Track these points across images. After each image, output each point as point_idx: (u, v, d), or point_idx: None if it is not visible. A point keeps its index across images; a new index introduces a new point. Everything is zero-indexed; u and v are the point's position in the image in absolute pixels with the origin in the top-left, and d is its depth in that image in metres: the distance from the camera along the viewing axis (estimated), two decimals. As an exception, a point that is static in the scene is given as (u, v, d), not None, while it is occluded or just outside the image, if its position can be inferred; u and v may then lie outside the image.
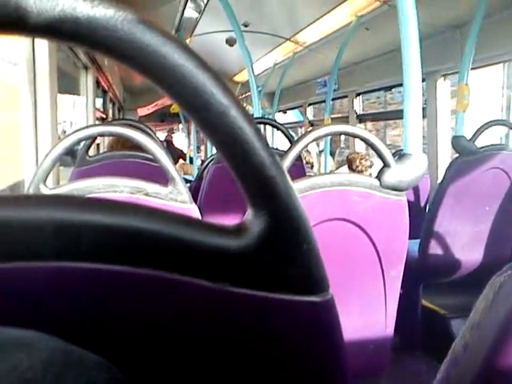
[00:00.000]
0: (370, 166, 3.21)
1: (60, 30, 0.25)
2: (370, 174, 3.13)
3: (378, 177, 1.14)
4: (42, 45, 1.69)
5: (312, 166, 4.39)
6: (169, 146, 6.98)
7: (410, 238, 1.24)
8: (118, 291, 0.29)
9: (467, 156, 1.93)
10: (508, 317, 0.38)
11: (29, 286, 0.28)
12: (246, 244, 0.30)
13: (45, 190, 1.12)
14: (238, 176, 0.30)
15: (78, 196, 0.31)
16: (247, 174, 0.29)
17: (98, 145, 3.49)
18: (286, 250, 0.31)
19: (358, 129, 1.22)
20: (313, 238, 0.32)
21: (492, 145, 2.07)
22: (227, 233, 0.31)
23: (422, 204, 2.66)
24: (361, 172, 3.12)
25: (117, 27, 0.25)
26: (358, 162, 3.21)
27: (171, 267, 0.29)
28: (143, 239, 0.29)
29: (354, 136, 1.24)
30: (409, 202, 1.21)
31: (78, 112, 3.30)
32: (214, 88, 0.27)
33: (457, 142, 1.99)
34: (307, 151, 4.54)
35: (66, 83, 3.06)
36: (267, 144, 0.30)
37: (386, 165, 1.15)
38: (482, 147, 1.98)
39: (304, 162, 4.45)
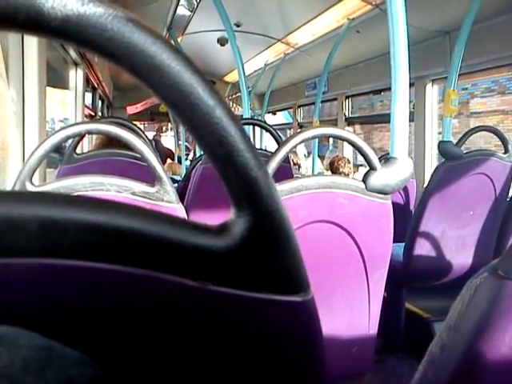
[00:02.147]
0: (347, 165, 3.30)
1: (49, 27, 0.25)
2: (347, 175, 3.21)
3: (364, 180, 1.15)
4: (31, 40, 1.67)
5: (299, 168, 4.42)
6: (157, 145, 6.95)
7: (395, 241, 1.25)
8: (100, 289, 0.29)
9: (453, 161, 1.95)
10: (484, 318, 0.39)
11: (10, 281, 0.28)
12: (228, 244, 0.31)
13: (31, 188, 1.11)
14: (222, 176, 0.30)
15: (63, 194, 0.31)
16: (231, 174, 0.30)
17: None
18: (268, 250, 0.31)
19: (345, 132, 1.23)
20: (294, 238, 0.32)
21: (478, 150, 2.10)
22: (210, 232, 0.31)
23: (408, 208, 2.68)
24: (342, 173, 3.21)
25: (106, 26, 0.25)
26: (336, 163, 3.35)
27: (154, 265, 0.29)
28: (127, 237, 0.29)
29: (341, 139, 1.25)
30: (394, 205, 1.23)
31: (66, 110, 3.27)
32: (200, 88, 0.28)
33: (443, 146, 2.02)
34: (294, 152, 4.56)
35: (55, 78, 3.03)
36: (252, 145, 0.30)
37: (371, 168, 1.16)
38: (468, 152, 2.00)
39: (292, 163, 4.47)
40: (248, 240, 0.31)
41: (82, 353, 0.25)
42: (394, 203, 1.24)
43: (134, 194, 1.12)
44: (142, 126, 8.97)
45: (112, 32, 0.26)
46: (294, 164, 4.46)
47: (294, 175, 2.18)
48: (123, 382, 0.30)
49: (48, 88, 1.87)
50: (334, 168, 3.33)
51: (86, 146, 3.41)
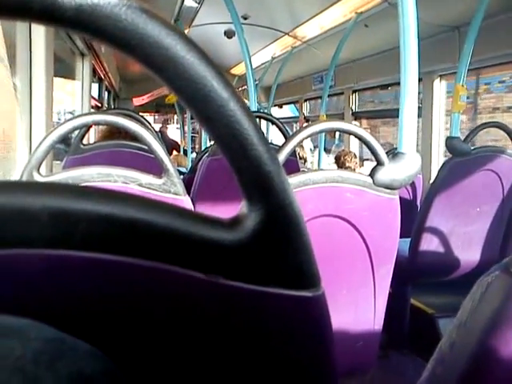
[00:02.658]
0: (353, 160, 3.28)
1: (63, 17, 0.24)
2: (354, 170, 3.19)
3: (371, 174, 1.15)
4: (39, 29, 1.67)
5: (305, 161, 4.41)
6: (163, 136, 6.96)
7: (401, 236, 1.25)
8: (111, 281, 0.29)
9: (460, 157, 1.94)
10: (495, 316, 0.39)
11: (22, 273, 0.28)
12: (240, 238, 0.30)
13: (38, 178, 1.11)
14: (234, 169, 0.30)
15: (73, 184, 0.31)
16: (244, 167, 0.30)
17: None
18: (280, 244, 0.31)
19: (353, 126, 1.22)
20: (306, 233, 0.32)
21: (486, 147, 2.09)
22: (222, 226, 0.31)
23: (414, 203, 2.67)
24: (349, 168, 3.20)
25: (120, 16, 0.25)
26: (342, 158, 3.32)
27: (165, 258, 0.29)
28: (138, 229, 0.29)
29: (349, 133, 1.24)
30: (400, 200, 1.22)
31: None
32: (215, 81, 0.28)
33: (451, 142, 2.00)
34: (301, 146, 4.54)
35: (61, 69, 3.03)
36: (265, 139, 0.30)
37: (379, 163, 1.15)
38: (476, 148, 1.99)
39: (298, 157, 4.45)
40: (260, 234, 0.31)
41: (93, 345, 0.25)
42: (400, 198, 1.23)
43: (140, 185, 1.12)
44: (152, 118, 9.00)
45: (126, 22, 0.25)
46: (300, 158, 4.45)
47: (301, 169, 2.17)
48: (133, 374, 0.30)
49: (58, 79, 1.86)
50: (340, 162, 3.31)
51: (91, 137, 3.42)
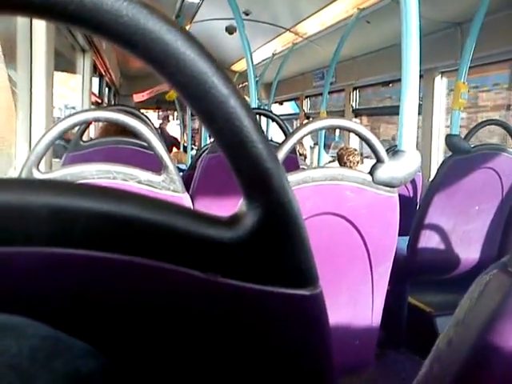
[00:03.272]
0: (359, 162, 3.20)
1: (64, 12, 0.24)
2: (356, 166, 3.13)
3: (371, 172, 1.15)
4: (40, 25, 1.67)
5: (305, 158, 4.40)
6: (163, 133, 6.94)
7: (400, 234, 1.25)
8: (109, 279, 0.29)
9: (460, 155, 1.94)
10: (493, 314, 0.39)
11: (20, 271, 0.28)
12: (239, 236, 0.30)
13: (37, 175, 1.11)
14: (233, 166, 0.30)
15: (72, 182, 0.31)
16: (243, 164, 0.30)
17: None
18: (278, 242, 0.31)
19: (353, 123, 1.22)
20: (305, 231, 0.32)
21: (486, 144, 2.08)
22: (221, 224, 0.31)
23: (413, 201, 2.67)
24: (350, 168, 3.11)
25: (121, 11, 0.25)
26: (345, 158, 3.18)
27: (163, 256, 0.29)
28: (137, 227, 0.29)
29: (349, 130, 1.24)
30: (400, 198, 1.22)
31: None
32: (215, 77, 0.27)
33: (451, 140, 2.00)
34: (301, 143, 4.53)
35: (62, 65, 3.02)
36: (265, 136, 0.30)
37: (379, 160, 1.15)
38: (476, 146, 1.99)
39: (298, 153, 4.44)
40: (259, 232, 0.31)
41: (90, 344, 0.25)
42: (399, 196, 1.23)
43: (140, 182, 1.12)
44: (155, 115, 8.99)
45: (127, 18, 0.25)
46: (300, 155, 4.43)
47: (300, 166, 2.17)
48: (130, 373, 0.30)
49: (62, 73, 1.86)
50: (342, 160, 3.22)
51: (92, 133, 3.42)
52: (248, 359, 0.33)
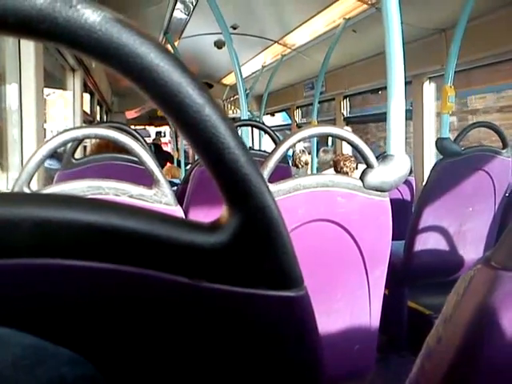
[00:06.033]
0: (356, 168, 3.18)
1: (38, 30, 0.25)
2: (351, 172, 3.11)
3: (362, 178, 1.15)
4: (28, 45, 1.68)
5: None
6: (156, 149, 6.96)
7: (395, 238, 1.25)
8: (94, 288, 0.29)
9: (451, 157, 1.95)
10: (478, 309, 0.39)
11: (4, 283, 0.28)
12: (221, 241, 0.31)
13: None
14: (213, 174, 0.30)
15: (56, 194, 0.31)
16: (222, 171, 0.30)
17: (85, 147, 3.47)
18: (260, 245, 0.31)
19: (342, 130, 1.22)
20: (286, 234, 0.32)
21: (476, 146, 2.10)
22: (202, 229, 0.31)
23: (408, 205, 2.68)
24: (346, 173, 3.11)
25: (94, 27, 0.26)
26: (342, 163, 3.16)
27: (147, 264, 0.30)
28: (121, 236, 0.29)
29: (339, 137, 1.25)
30: (395, 203, 1.22)
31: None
32: (190, 87, 0.28)
33: (441, 143, 2.02)
34: (303, 151, 4.54)
35: (52, 84, 3.04)
36: (243, 142, 0.30)
37: (369, 166, 1.16)
38: (466, 148, 2.00)
39: (301, 162, 4.44)
40: (240, 236, 0.31)
41: (77, 352, 0.26)
42: (394, 201, 1.23)
43: (131, 196, 1.12)
44: (153, 130, 9.05)
45: (100, 33, 0.26)
46: (305, 164, 4.43)
47: (293, 175, 2.18)
48: (117, 380, 0.30)
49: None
50: (339, 166, 3.17)
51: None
52: (236, 362, 0.33)
